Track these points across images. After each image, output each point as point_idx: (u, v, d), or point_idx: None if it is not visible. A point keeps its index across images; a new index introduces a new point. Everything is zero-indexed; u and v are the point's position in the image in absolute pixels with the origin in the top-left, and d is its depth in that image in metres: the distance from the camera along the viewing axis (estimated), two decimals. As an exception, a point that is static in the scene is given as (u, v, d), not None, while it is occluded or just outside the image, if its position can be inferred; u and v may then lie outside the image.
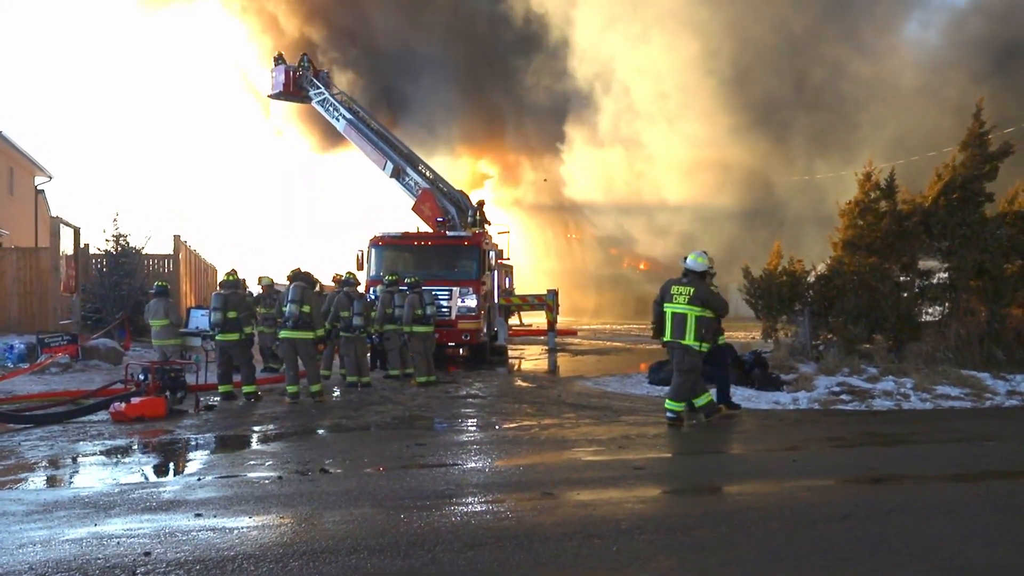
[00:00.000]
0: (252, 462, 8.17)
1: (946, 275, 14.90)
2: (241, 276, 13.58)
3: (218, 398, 12.38)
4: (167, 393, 11.09)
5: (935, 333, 14.37)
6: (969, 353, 13.74)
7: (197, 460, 8.50)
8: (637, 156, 36.53)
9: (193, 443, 9.23)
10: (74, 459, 8.36)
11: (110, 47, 69.63)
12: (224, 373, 12.61)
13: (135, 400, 10.62)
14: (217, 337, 12.59)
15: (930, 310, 15.28)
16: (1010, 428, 10.18)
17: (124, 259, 20.73)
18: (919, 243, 14.95)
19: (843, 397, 12.14)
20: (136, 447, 9.00)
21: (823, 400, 12.02)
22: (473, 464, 8.07)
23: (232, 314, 12.54)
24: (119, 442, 9.16)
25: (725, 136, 33.88)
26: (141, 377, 11.25)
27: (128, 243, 21.04)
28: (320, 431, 10.19)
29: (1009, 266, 14.42)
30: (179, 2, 43.06)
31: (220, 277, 17.76)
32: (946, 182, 14.74)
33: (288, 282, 13.16)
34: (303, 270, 12.96)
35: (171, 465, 8.30)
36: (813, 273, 15.71)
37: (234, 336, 12.55)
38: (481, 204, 22.33)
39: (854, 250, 15.24)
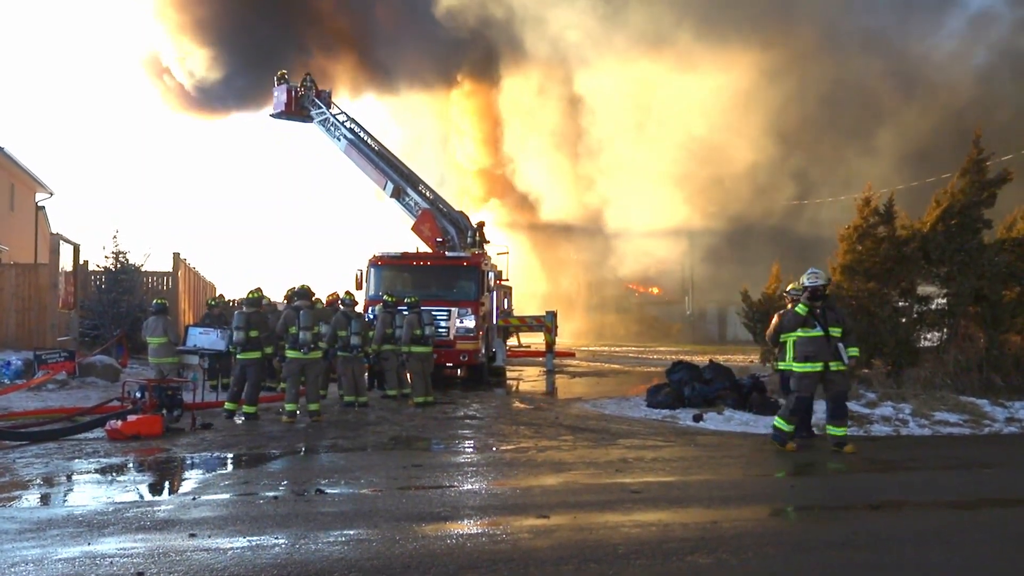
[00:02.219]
0: (248, 481, 8.13)
1: (944, 301, 14.90)
2: (265, 296, 13.72)
3: (223, 413, 12.36)
4: (164, 411, 11.04)
5: (933, 359, 14.35)
6: (968, 379, 13.71)
7: (192, 479, 8.46)
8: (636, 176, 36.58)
9: (189, 462, 9.19)
10: (69, 477, 8.32)
11: (111, 64, 69.95)
12: (237, 392, 12.62)
13: (131, 418, 10.58)
14: (239, 356, 12.62)
15: (928, 336, 15.28)
16: (1008, 455, 10.16)
17: (123, 276, 20.76)
18: (918, 269, 14.96)
19: (841, 422, 12.09)
20: (131, 465, 8.96)
21: (822, 425, 11.95)
22: (469, 486, 8.03)
23: (254, 333, 12.60)
24: (114, 460, 9.12)
25: (725, 154, 33.86)
26: (138, 395, 11.20)
27: (127, 260, 21.08)
28: (317, 451, 10.15)
29: (1007, 292, 14.43)
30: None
31: (223, 295, 17.83)
32: (944, 208, 14.78)
33: (286, 301, 13.19)
34: (302, 287, 12.98)
35: (166, 484, 8.27)
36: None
37: (255, 355, 12.60)
38: (481, 225, 22.36)
39: (853, 275, 15.23)
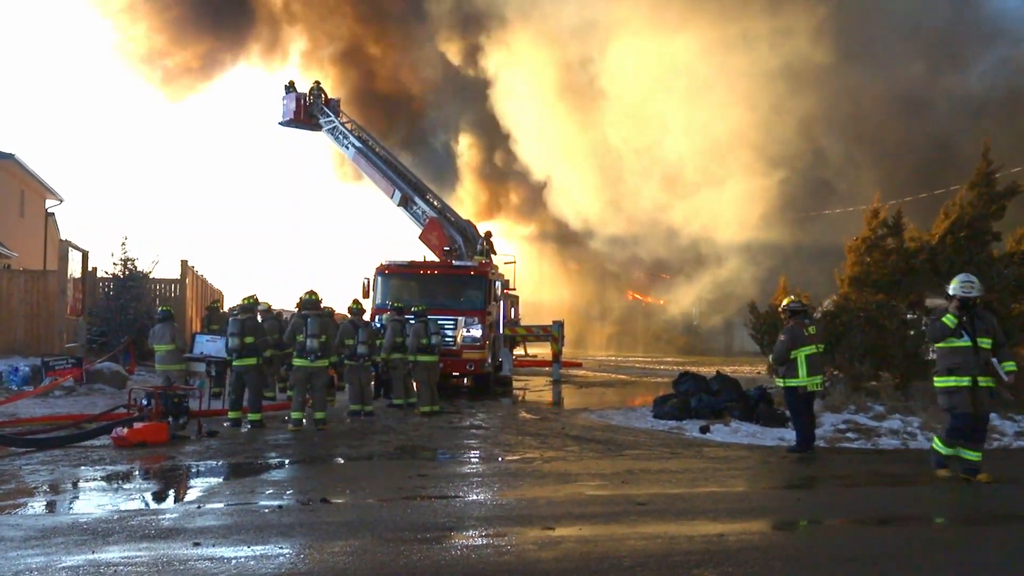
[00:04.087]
0: (253, 490, 8.12)
1: (953, 313, 14.80)
2: (263, 302, 13.77)
3: (227, 423, 12.36)
4: (170, 419, 11.05)
5: (942, 371, 14.26)
6: (976, 393, 13.61)
7: (198, 487, 8.45)
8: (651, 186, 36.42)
9: (194, 470, 9.18)
10: (74, 484, 8.32)
11: (122, 72, 70.24)
12: (236, 399, 12.64)
13: (137, 425, 10.59)
14: (234, 363, 12.64)
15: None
16: (1018, 470, 10.08)
17: (131, 283, 20.82)
18: (926, 281, 14.87)
19: (849, 435, 12.05)
20: (137, 473, 8.96)
21: (829, 438, 11.92)
22: (475, 496, 8.01)
23: (249, 339, 12.64)
24: (120, 468, 9.12)
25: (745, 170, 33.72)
26: (144, 402, 11.22)
27: (136, 267, 21.13)
28: (322, 460, 10.13)
29: (1016, 305, 14.34)
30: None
31: (232, 302, 17.90)
32: (953, 220, 14.72)
33: (297, 309, 13.22)
34: (310, 295, 12.99)
35: (171, 492, 8.26)
36: (820, 309, 15.64)
37: (251, 361, 12.63)
38: (488, 234, 22.38)
39: (861, 287, 15.19)
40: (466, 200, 42.22)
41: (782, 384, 10.98)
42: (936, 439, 9.16)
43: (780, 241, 33.31)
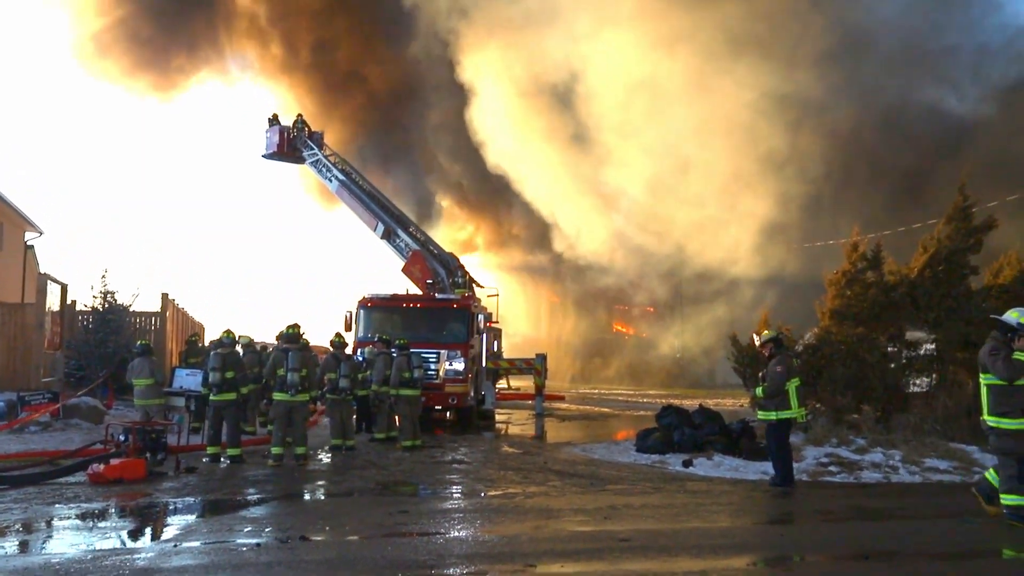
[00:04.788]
0: (231, 528, 7.99)
1: (933, 346, 14.94)
2: (244, 336, 13.68)
3: (206, 459, 12.21)
4: (147, 455, 10.90)
5: (923, 404, 14.34)
6: (956, 425, 13.67)
7: (175, 525, 8.32)
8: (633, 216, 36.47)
9: (172, 507, 9.05)
10: (48, 523, 8.17)
11: (101, 103, 70.22)
12: (215, 434, 12.49)
13: (114, 461, 10.43)
14: (213, 398, 12.49)
15: (917, 381, 15.28)
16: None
17: (111, 316, 20.61)
18: (906, 314, 15.01)
19: (831, 468, 12.04)
20: (113, 511, 8.81)
21: (811, 471, 11.91)
22: (456, 533, 7.93)
23: (229, 374, 12.52)
24: (95, 505, 8.97)
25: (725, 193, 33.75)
26: (121, 438, 11.07)
27: (115, 300, 20.95)
28: (302, 496, 10.02)
29: (995, 339, 14.46)
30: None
31: (213, 335, 17.77)
32: (931, 254, 14.89)
33: (277, 342, 13.16)
34: (291, 329, 12.92)
35: (148, 530, 8.13)
36: (801, 342, 15.73)
37: (231, 396, 12.50)
38: (462, 267, 22.41)
39: (842, 320, 15.29)
40: (447, 230, 42.22)
41: (775, 417, 10.80)
42: (1006, 497, 8.19)
43: (761, 274, 33.47)
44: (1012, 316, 8.44)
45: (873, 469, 12.01)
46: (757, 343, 11.69)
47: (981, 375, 8.35)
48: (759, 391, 11.14)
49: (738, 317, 30.75)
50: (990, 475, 8.62)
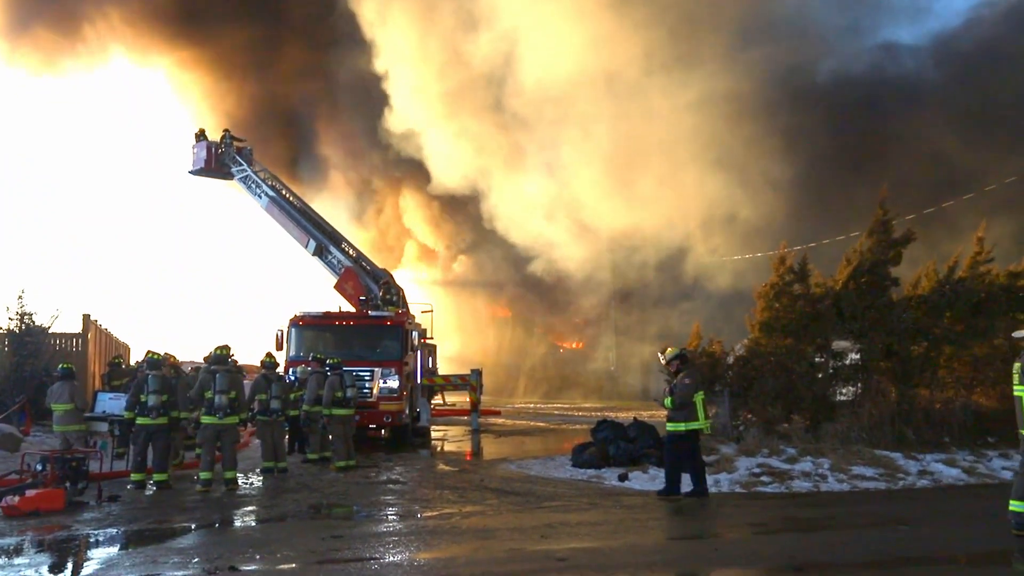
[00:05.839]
0: (155, 560, 7.71)
1: (858, 356, 15.33)
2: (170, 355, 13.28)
3: (130, 486, 11.78)
4: (67, 484, 10.46)
5: (849, 413, 14.67)
6: (881, 433, 14.03)
7: (95, 559, 7.98)
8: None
9: (93, 539, 8.68)
10: (-42, 560, 7.76)
11: (16, 114, 67.77)
12: (142, 461, 12.05)
13: (30, 493, 9.97)
14: (147, 421, 12.04)
15: (844, 390, 15.64)
16: (922, 511, 10.35)
17: (28, 338, 19.81)
18: (832, 325, 15.36)
19: (763, 479, 12.23)
20: (28, 546, 8.41)
21: (744, 482, 12.08)
22: (392, 558, 7.79)
23: (165, 397, 12.15)
24: (8, 540, 8.54)
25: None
26: (38, 467, 10.61)
27: (33, 321, 20.15)
28: (232, 523, 9.73)
29: (916, 348, 14.93)
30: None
31: (138, 357, 17.21)
32: (855, 266, 15.29)
33: (206, 364, 12.82)
34: (220, 350, 12.61)
35: (67, 565, 7.78)
36: (732, 354, 15.98)
37: (164, 420, 12.13)
38: (390, 281, 22.21)
39: (771, 332, 15.58)
40: (367, 239, 41.86)
41: (683, 428, 11.05)
42: (1014, 501, 7.99)
43: (692, 286, 33.99)
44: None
45: (803, 478, 12.24)
46: (663, 361, 11.90)
47: (1015, 387, 8.16)
48: (668, 402, 11.32)
49: (671, 330, 31.14)
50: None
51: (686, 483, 11.00)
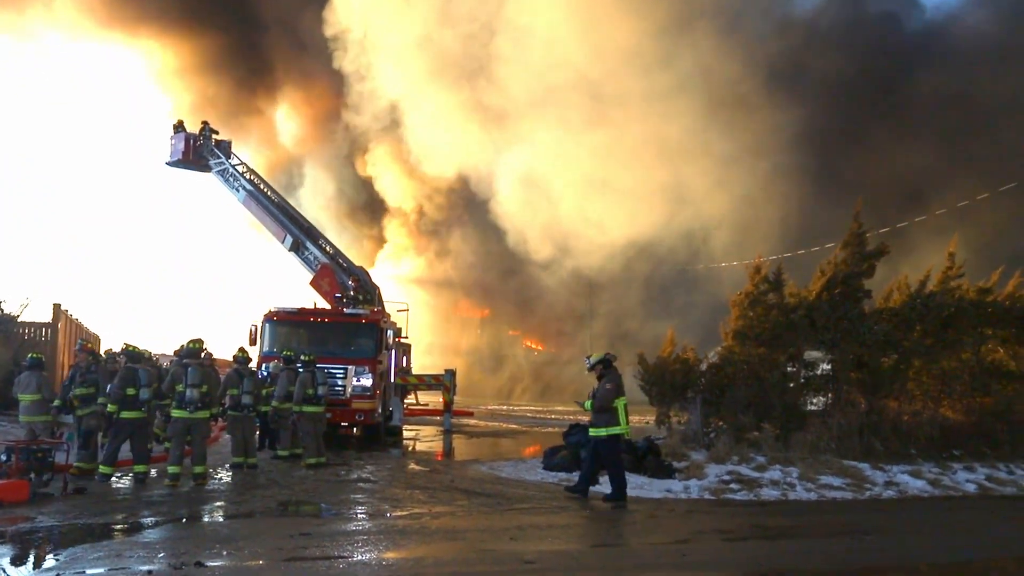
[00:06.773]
0: (120, 554, 7.62)
1: (829, 367, 15.50)
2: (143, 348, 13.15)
3: (97, 477, 11.64)
4: (32, 475, 10.32)
5: (819, 423, 14.83)
6: (849, 443, 14.20)
7: (59, 552, 7.87)
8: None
9: (56, 532, 8.56)
10: (-82, 551, 7.63)
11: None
12: (114, 453, 11.90)
13: (-6, 483, 9.84)
14: (125, 414, 11.90)
15: (815, 400, 15.82)
16: (888, 521, 10.49)
17: (-3, 327, 19.56)
18: (804, 335, 15.52)
19: (733, 486, 12.33)
20: (-9, 536, 8.29)
21: (713, 489, 12.17)
22: (360, 557, 7.75)
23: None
24: (-28, 531, 8.42)
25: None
26: (3, 457, 10.45)
27: (2, 310, 19.89)
28: (200, 518, 9.65)
29: (885, 360, 15.11)
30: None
31: (107, 347, 16.97)
32: (828, 278, 15.46)
33: (177, 357, 12.69)
34: (192, 343, 12.50)
35: (29, 558, 7.66)
36: (705, 361, 16.09)
37: (142, 414, 12.02)
38: (372, 280, 22.15)
39: (744, 340, 15.72)
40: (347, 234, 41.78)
41: (604, 433, 11.13)
42: None
43: (667, 293, 34.21)
44: None
45: (772, 486, 12.35)
46: (588, 365, 11.99)
47: None
48: (587, 405, 11.44)
49: (644, 334, 31.30)
50: None
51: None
